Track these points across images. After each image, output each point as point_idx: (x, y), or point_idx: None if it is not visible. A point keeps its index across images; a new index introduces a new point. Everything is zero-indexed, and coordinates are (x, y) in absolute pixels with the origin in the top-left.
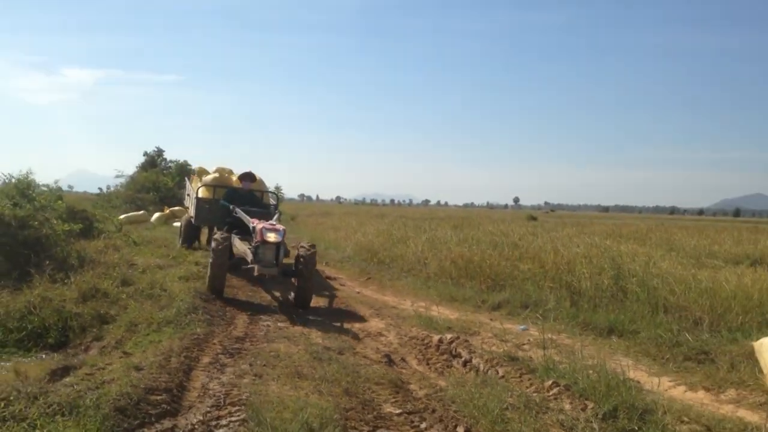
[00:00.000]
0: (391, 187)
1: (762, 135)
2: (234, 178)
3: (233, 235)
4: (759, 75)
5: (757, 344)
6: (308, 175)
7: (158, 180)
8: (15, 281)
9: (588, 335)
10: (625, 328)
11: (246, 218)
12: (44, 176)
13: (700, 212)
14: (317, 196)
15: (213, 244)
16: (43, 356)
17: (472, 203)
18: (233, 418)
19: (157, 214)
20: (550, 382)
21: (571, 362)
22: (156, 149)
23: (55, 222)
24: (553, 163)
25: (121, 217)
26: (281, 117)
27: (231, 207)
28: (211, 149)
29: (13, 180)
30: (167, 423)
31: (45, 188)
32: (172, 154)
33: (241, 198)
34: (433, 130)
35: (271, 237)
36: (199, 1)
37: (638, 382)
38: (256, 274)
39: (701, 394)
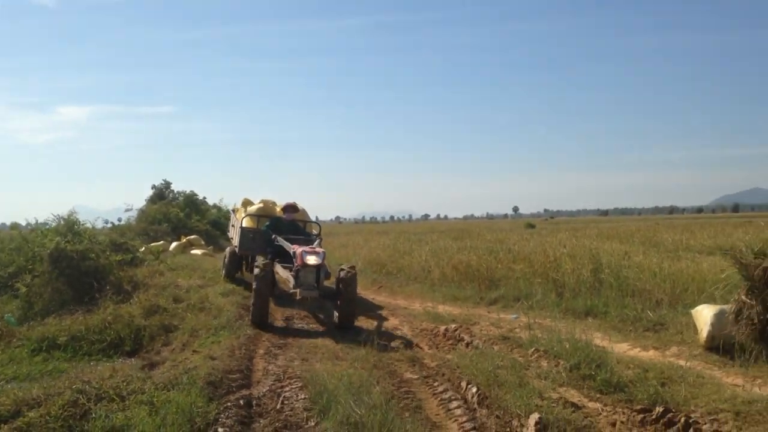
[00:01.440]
0: (389, 205)
1: (757, 129)
2: (278, 209)
3: (275, 263)
4: (748, 71)
5: (694, 312)
6: (307, 197)
7: (168, 211)
8: (84, 305)
9: (568, 318)
10: (599, 310)
11: (286, 244)
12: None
13: (699, 210)
14: (317, 217)
15: (255, 270)
16: (122, 361)
17: (472, 215)
18: (293, 386)
19: (175, 243)
20: (532, 349)
21: (550, 337)
22: (163, 182)
23: (108, 253)
24: (550, 170)
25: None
26: (277, 141)
27: (273, 236)
28: (211, 177)
29: (62, 220)
30: (245, 392)
31: (88, 225)
32: (178, 186)
33: (284, 227)
34: (429, 145)
35: (311, 260)
36: (188, 34)
37: (603, 347)
38: (298, 297)
39: (651, 353)
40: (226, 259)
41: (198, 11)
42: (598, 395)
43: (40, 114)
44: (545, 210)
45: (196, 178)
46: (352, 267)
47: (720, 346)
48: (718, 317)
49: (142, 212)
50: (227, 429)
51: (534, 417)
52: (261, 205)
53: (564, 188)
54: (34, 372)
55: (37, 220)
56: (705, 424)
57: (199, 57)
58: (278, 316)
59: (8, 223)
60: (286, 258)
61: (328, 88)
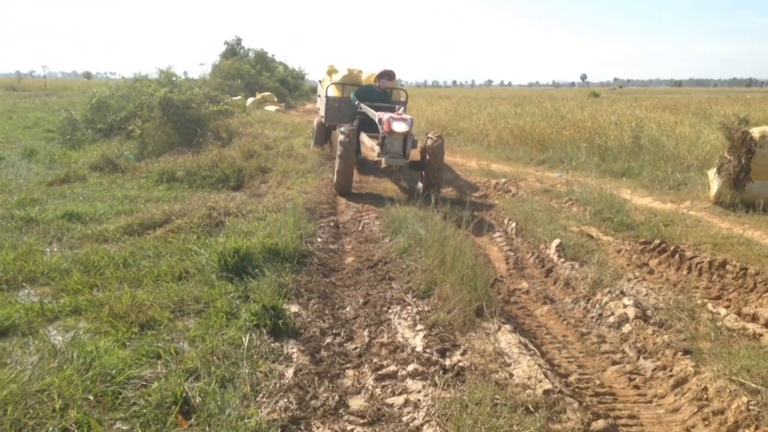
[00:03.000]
0: (452, 68)
1: None
2: (364, 77)
3: (362, 133)
4: None
5: (709, 172)
6: (370, 58)
7: (241, 67)
8: (191, 147)
9: (606, 177)
10: (633, 172)
11: (371, 112)
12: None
13: None
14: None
15: (340, 137)
16: (228, 193)
17: (537, 82)
18: (370, 216)
19: (251, 99)
20: (566, 198)
21: (584, 189)
22: (235, 38)
23: (206, 104)
24: (619, 35)
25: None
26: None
27: (356, 102)
28: (276, 33)
29: (162, 72)
30: (333, 218)
31: (183, 77)
32: (249, 43)
33: (372, 95)
34: (494, 3)
35: (398, 127)
36: None
37: (627, 199)
38: (383, 166)
39: (668, 205)
40: (314, 131)
41: None
42: (612, 232)
43: None
44: (615, 79)
45: (261, 34)
46: (440, 136)
47: (724, 201)
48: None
49: (216, 67)
50: (324, 238)
51: (556, 241)
52: (346, 72)
53: (636, 56)
54: (162, 197)
55: (140, 72)
56: (688, 251)
57: None
58: (359, 184)
59: (80, 71)
60: (373, 128)
61: None
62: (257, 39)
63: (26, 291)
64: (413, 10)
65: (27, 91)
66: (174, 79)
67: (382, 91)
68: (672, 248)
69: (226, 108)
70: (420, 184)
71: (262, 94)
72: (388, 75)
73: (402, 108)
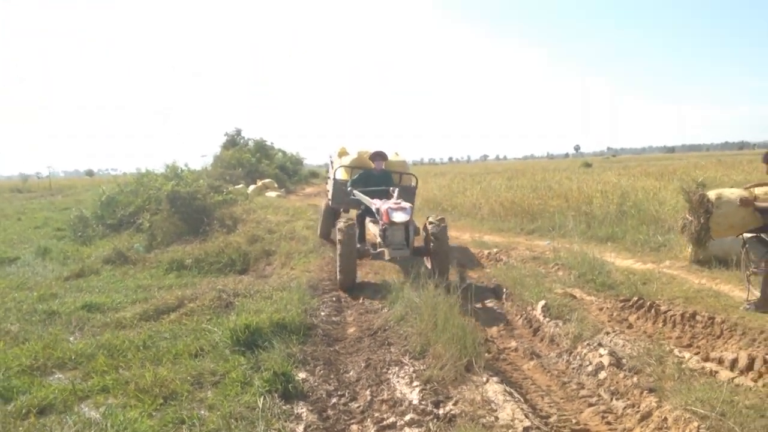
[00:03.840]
0: (448, 145)
1: None
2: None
3: (367, 219)
4: None
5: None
6: (364, 141)
7: (241, 157)
8: (197, 236)
9: (591, 243)
10: (618, 236)
11: (365, 199)
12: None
13: None
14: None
15: (338, 234)
16: (238, 276)
17: (532, 155)
18: (370, 289)
19: (252, 186)
20: (553, 263)
21: (569, 255)
22: (235, 129)
23: (211, 194)
24: (611, 104)
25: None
26: (331, 75)
27: (349, 189)
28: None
29: (167, 167)
30: (335, 293)
31: (186, 170)
32: (248, 133)
33: (374, 180)
34: (487, 80)
35: (398, 217)
36: None
37: (610, 262)
38: (387, 258)
39: (648, 265)
40: (321, 216)
41: None
42: (594, 292)
43: None
44: (608, 148)
45: (258, 122)
46: (442, 219)
47: (702, 259)
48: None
49: (217, 158)
50: (327, 312)
51: (541, 302)
52: (355, 156)
53: (628, 124)
54: (173, 284)
55: (146, 168)
56: (663, 305)
57: None
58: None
59: (82, 170)
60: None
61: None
62: (255, 128)
63: (57, 376)
64: (407, 90)
65: (32, 192)
66: (179, 172)
67: (380, 173)
68: (648, 304)
69: (229, 197)
70: (428, 267)
71: (262, 181)
72: (380, 156)
73: (397, 191)
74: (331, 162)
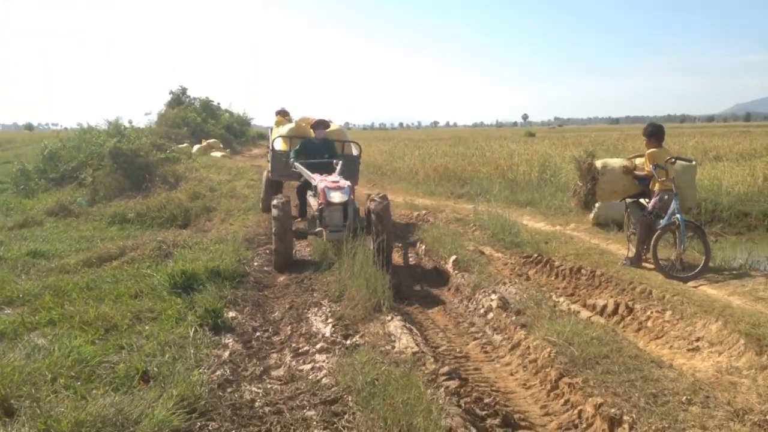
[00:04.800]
0: (399, 110)
1: None
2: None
3: (308, 192)
4: None
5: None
6: (318, 102)
7: (187, 116)
8: (140, 192)
9: (512, 207)
10: (536, 201)
11: (307, 173)
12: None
13: (711, 119)
14: (327, 119)
15: (273, 211)
16: (176, 230)
17: (482, 122)
18: (302, 244)
19: (197, 146)
20: (471, 225)
21: (488, 217)
22: (180, 88)
23: (154, 152)
24: (562, 77)
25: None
26: (284, 39)
27: (290, 160)
28: (218, 78)
29: (110, 124)
30: (269, 246)
31: (130, 127)
32: (194, 92)
33: (316, 149)
34: (440, 49)
35: (336, 197)
36: None
37: (525, 224)
38: (325, 239)
39: (557, 228)
40: (262, 189)
41: None
42: (503, 249)
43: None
44: (555, 118)
45: (205, 81)
46: (384, 196)
47: (602, 222)
48: (602, 204)
49: (161, 116)
50: (260, 263)
51: (453, 257)
52: (292, 125)
53: (576, 96)
54: (115, 236)
55: (88, 123)
56: (557, 261)
57: None
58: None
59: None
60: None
61: None
62: (202, 87)
63: (6, 312)
64: (360, 55)
65: None
66: (122, 129)
67: (322, 142)
68: (545, 259)
69: (173, 155)
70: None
71: (207, 141)
72: (322, 124)
73: (338, 166)
74: (270, 130)
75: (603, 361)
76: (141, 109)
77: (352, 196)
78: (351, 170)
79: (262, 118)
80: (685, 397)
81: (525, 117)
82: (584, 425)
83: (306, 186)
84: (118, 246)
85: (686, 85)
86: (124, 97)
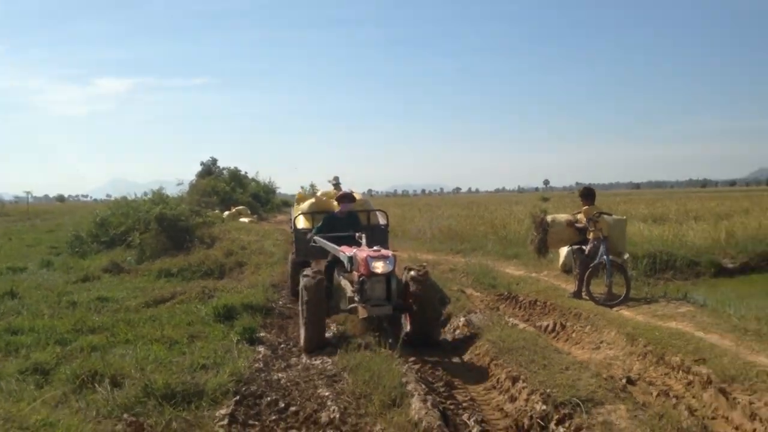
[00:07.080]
0: (422, 177)
1: None
2: (334, 202)
3: (337, 271)
4: None
5: (560, 250)
6: (341, 170)
7: (217, 185)
8: (181, 252)
9: (501, 259)
10: (521, 254)
11: (331, 247)
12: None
13: (732, 183)
14: (350, 191)
15: (303, 281)
16: (215, 281)
17: (503, 188)
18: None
19: (226, 212)
20: (461, 272)
21: (475, 267)
22: (210, 158)
23: (193, 217)
24: (582, 142)
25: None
26: (307, 114)
27: (311, 235)
28: (244, 148)
29: (153, 193)
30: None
31: (171, 196)
32: (223, 162)
33: (340, 224)
34: (462, 117)
35: (379, 267)
36: (222, 3)
37: (507, 272)
38: (363, 316)
39: (533, 274)
40: (289, 274)
41: None
42: (481, 289)
43: (80, 87)
44: (577, 183)
45: (231, 149)
46: (422, 266)
47: (568, 269)
48: (569, 253)
49: (192, 186)
50: (284, 301)
51: (437, 295)
52: (313, 200)
53: (597, 161)
54: (164, 286)
55: (135, 194)
56: (521, 296)
57: (230, 28)
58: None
59: (51, 195)
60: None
61: (365, 60)
62: (230, 157)
63: (91, 336)
64: (383, 123)
65: (11, 216)
66: (165, 198)
67: (347, 216)
68: (512, 296)
69: (209, 219)
70: (405, 330)
71: (236, 208)
72: (347, 197)
73: (364, 236)
74: (292, 209)
75: (521, 350)
76: (173, 178)
77: (395, 268)
78: (379, 240)
79: (285, 186)
80: (565, 367)
81: (546, 182)
82: (499, 385)
83: (333, 265)
84: (169, 291)
85: (708, 150)
86: (156, 166)
